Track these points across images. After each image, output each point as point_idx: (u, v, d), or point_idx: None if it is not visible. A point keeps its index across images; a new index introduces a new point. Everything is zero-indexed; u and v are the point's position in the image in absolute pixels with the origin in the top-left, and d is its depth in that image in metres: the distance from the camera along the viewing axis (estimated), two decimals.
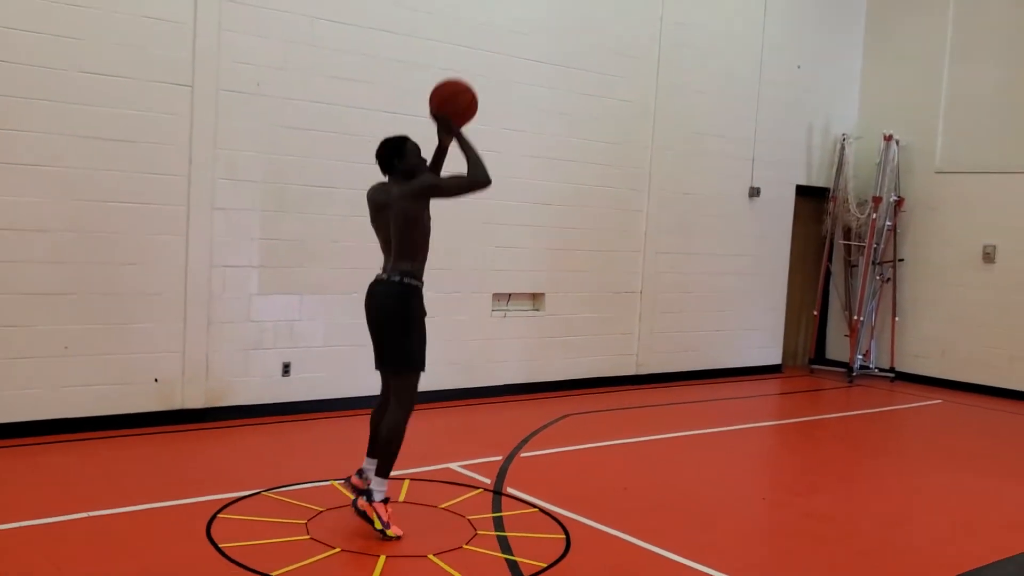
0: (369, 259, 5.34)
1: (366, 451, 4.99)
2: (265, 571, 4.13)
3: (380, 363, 4.90)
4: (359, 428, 6.54)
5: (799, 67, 10.71)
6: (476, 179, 4.67)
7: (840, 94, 11.31)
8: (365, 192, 4.96)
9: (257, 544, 4.46)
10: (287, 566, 4.19)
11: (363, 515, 4.65)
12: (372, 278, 4.86)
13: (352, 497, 4.83)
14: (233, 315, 6.96)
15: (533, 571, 4.33)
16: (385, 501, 4.66)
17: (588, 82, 8.83)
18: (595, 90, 8.89)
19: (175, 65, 6.49)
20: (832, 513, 5.67)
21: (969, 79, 10.62)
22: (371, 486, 4.68)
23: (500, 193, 8.26)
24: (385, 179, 4.92)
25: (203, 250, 6.75)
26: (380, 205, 4.81)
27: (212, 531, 4.61)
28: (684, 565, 4.54)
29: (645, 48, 9.27)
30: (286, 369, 7.27)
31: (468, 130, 4.93)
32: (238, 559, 4.25)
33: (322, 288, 7.37)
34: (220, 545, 4.42)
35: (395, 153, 4.83)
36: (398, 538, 4.59)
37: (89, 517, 4.75)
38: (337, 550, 4.46)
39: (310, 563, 4.26)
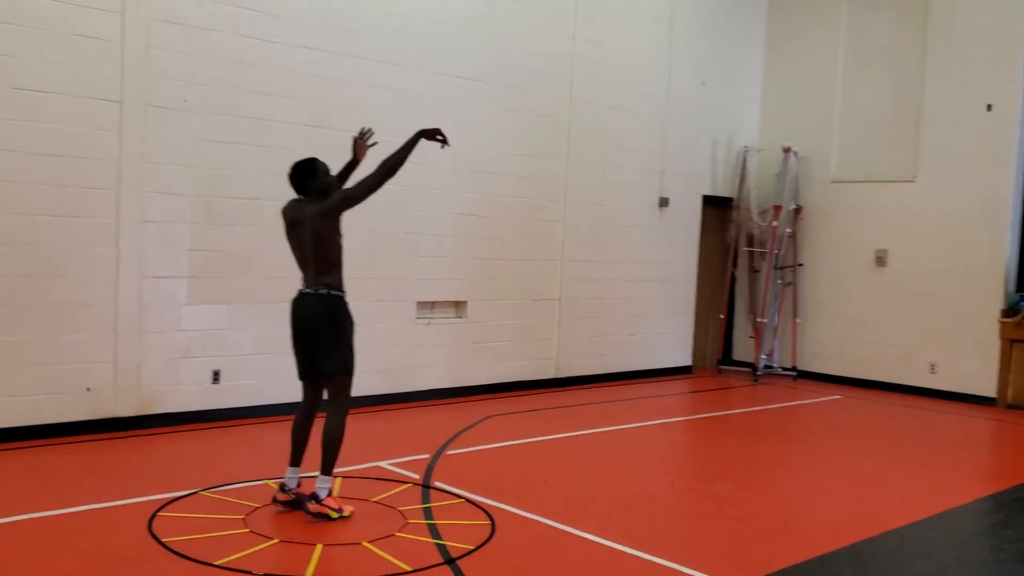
0: (295, 269, 5.62)
1: (289, 462, 5.28)
2: (208, 561, 4.37)
3: (308, 373, 5.23)
4: (288, 433, 6.80)
5: (704, 84, 11.35)
6: (386, 169, 5.02)
7: (742, 109, 12.00)
8: (278, 206, 5.34)
9: (198, 538, 4.69)
10: (229, 556, 4.45)
11: (320, 516, 4.97)
12: (300, 285, 5.18)
13: (281, 507, 5.13)
14: (163, 325, 7.13)
15: (461, 553, 4.67)
16: (328, 494, 5.00)
17: (506, 97, 9.25)
18: (513, 105, 9.32)
19: (104, 82, 6.66)
20: (736, 496, 6.17)
21: (860, 94, 11.42)
22: (316, 485, 5.03)
23: (422, 204, 8.66)
24: (299, 198, 5.25)
25: (133, 262, 6.91)
26: (295, 221, 5.16)
27: (153, 527, 4.83)
28: (600, 544, 4.95)
29: (560, 65, 9.74)
30: (216, 377, 7.45)
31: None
32: (181, 551, 4.49)
33: (250, 298, 7.58)
34: (163, 539, 4.64)
35: (307, 174, 5.17)
36: (351, 514, 5.03)
37: (29, 519, 4.91)
38: (276, 541, 4.73)
39: (250, 553, 4.52)
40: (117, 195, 6.78)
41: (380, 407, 8.30)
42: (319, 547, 4.66)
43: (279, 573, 4.31)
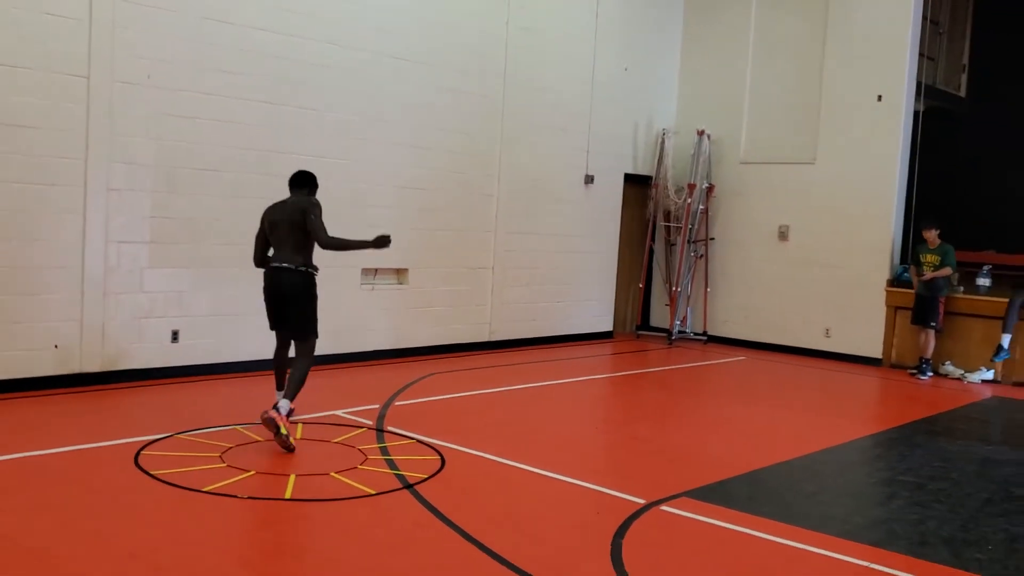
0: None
1: (275, 388, 6.30)
2: (197, 488, 5.01)
3: (283, 328, 6.25)
4: (246, 387, 7.52)
5: (626, 70, 12.18)
6: (345, 245, 6.32)
7: (661, 94, 12.89)
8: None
9: (182, 471, 5.30)
10: (214, 484, 5.08)
11: (271, 422, 5.72)
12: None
13: (273, 435, 5.83)
14: (126, 287, 7.62)
15: (417, 480, 5.40)
16: (289, 414, 5.90)
17: (445, 77, 9.90)
18: (452, 85, 9.98)
19: (72, 58, 7.09)
20: (652, 436, 7.06)
21: (767, 83, 12.42)
22: (279, 403, 5.88)
23: (369, 177, 9.29)
24: (284, 198, 6.30)
25: (99, 227, 7.37)
26: (276, 221, 6.17)
27: (140, 463, 5.42)
28: (539, 473, 5.74)
29: (494, 49, 10.43)
30: (175, 336, 7.98)
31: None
32: (171, 481, 5.10)
33: (207, 263, 8.10)
34: (151, 472, 5.25)
35: (309, 184, 6.37)
36: (293, 445, 5.84)
37: (22, 457, 5.44)
38: (252, 472, 5.38)
39: (233, 482, 5.17)
40: (84, 164, 7.23)
41: (331, 365, 8.92)
42: (292, 476, 5.33)
43: (262, 496, 4.97)
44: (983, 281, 11.06)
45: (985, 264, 11.32)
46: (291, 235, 6.09)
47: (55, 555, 4.02)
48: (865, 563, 4.51)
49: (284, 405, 5.88)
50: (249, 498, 4.91)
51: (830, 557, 4.57)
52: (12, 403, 6.76)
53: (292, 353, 6.30)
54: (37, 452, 5.55)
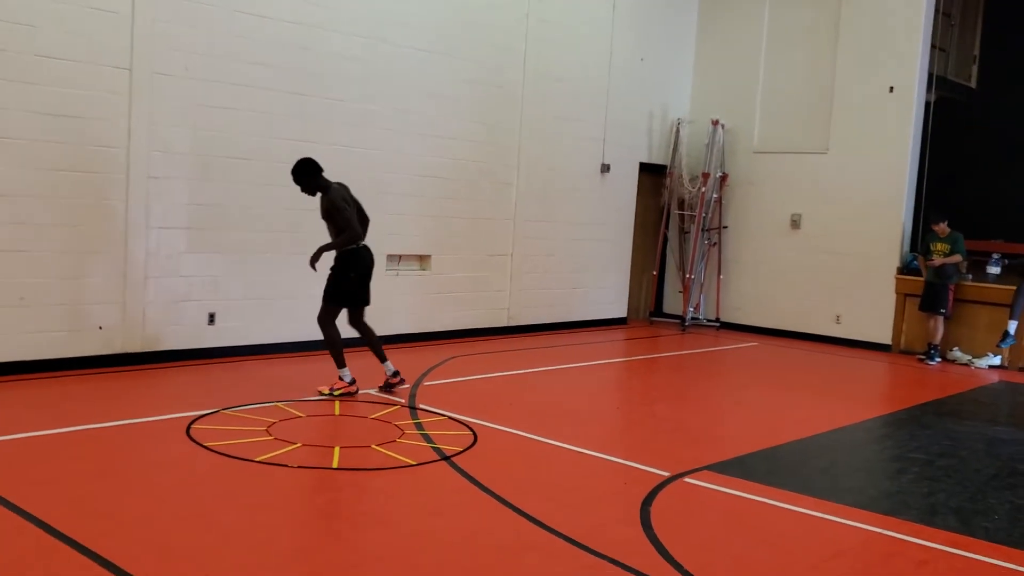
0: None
1: (378, 359, 7.34)
2: (250, 458, 5.32)
3: (366, 302, 7.30)
4: (279, 367, 7.83)
5: (642, 60, 12.43)
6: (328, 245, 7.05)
7: (676, 84, 13.15)
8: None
9: (233, 443, 5.62)
10: (265, 454, 5.40)
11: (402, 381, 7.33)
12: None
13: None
14: (165, 271, 7.93)
15: (452, 453, 5.71)
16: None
17: (467, 70, 10.17)
18: (472, 77, 10.25)
19: (116, 51, 7.38)
20: (670, 415, 7.36)
21: (781, 74, 12.66)
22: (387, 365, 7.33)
23: (392, 166, 9.59)
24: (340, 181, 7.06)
25: (140, 213, 7.68)
26: (357, 203, 7.21)
27: (192, 435, 5.73)
28: (565, 447, 6.04)
29: (514, 41, 10.69)
30: (211, 319, 8.29)
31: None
32: (223, 452, 5.42)
33: (241, 248, 8.40)
34: (204, 443, 5.56)
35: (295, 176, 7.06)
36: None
37: (80, 430, 5.76)
38: (299, 444, 5.69)
39: (282, 452, 5.48)
40: (127, 153, 7.53)
41: (358, 348, 9.18)
42: (337, 448, 5.65)
43: (311, 465, 5.28)
44: (993, 269, 11.29)
45: (994, 253, 11.56)
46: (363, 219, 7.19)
47: (124, 516, 4.34)
48: (878, 530, 4.81)
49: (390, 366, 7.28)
50: (300, 467, 5.22)
51: (845, 524, 4.86)
52: (60, 380, 7.08)
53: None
54: (93, 425, 5.87)
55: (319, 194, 7.00)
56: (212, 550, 4.00)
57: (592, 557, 4.15)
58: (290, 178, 6.97)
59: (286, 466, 5.22)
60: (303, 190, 7.02)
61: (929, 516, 5.12)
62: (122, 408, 6.32)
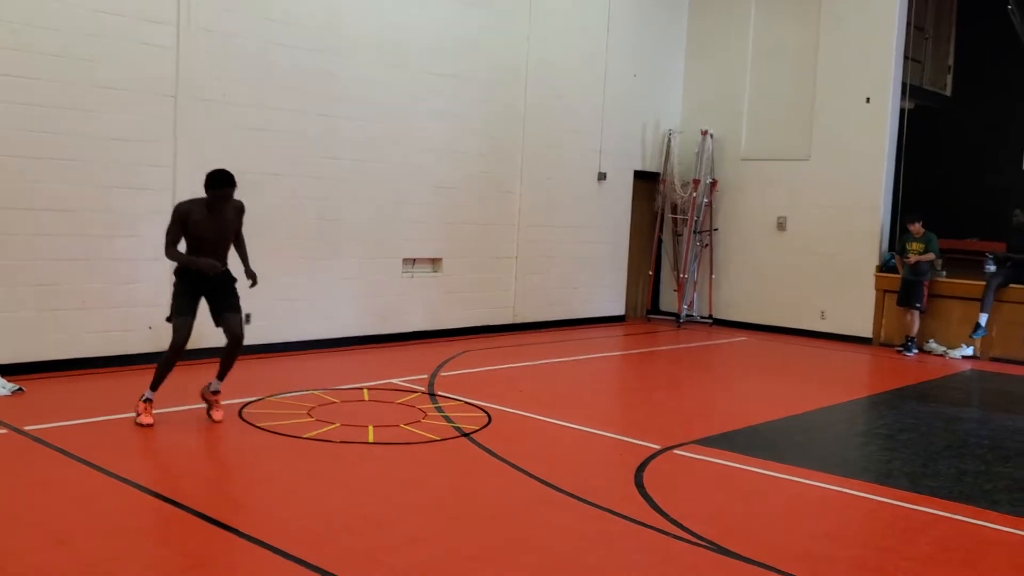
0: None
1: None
2: (298, 435, 6.16)
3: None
4: (310, 361, 8.62)
5: (635, 76, 13.30)
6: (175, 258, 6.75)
7: (667, 98, 14.02)
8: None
9: (281, 423, 6.47)
10: (310, 432, 6.25)
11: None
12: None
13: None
14: None
15: (471, 431, 6.55)
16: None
17: (475, 90, 11.04)
18: (479, 96, 11.12)
19: (163, 80, 8.24)
20: (665, 400, 8.21)
21: (765, 85, 13.52)
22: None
23: (408, 178, 10.45)
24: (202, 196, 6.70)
25: None
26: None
27: (244, 417, 6.58)
28: (570, 427, 6.89)
29: (517, 62, 11.56)
30: (247, 319, 9.13)
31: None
32: (274, 430, 6.26)
33: (271, 255, 9.24)
34: (256, 424, 6.41)
35: (232, 184, 6.61)
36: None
37: (157, 413, 6.59)
38: (337, 424, 6.54)
39: (324, 431, 6.33)
40: (173, 172, 8.39)
41: (373, 345, 10.08)
42: (371, 427, 6.49)
43: (350, 440, 6.13)
44: (990, 268, 11.64)
45: (988, 253, 12.00)
46: (226, 238, 7.04)
47: (202, 479, 5.19)
48: (838, 488, 5.66)
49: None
50: (341, 442, 6.07)
51: (809, 485, 5.71)
52: (116, 373, 7.93)
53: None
54: (161, 410, 6.71)
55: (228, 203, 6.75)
56: (287, 507, 4.85)
57: (593, 509, 5.00)
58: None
59: (330, 441, 6.07)
60: (223, 198, 6.68)
61: (884, 478, 5.96)
62: (175, 396, 7.14)
